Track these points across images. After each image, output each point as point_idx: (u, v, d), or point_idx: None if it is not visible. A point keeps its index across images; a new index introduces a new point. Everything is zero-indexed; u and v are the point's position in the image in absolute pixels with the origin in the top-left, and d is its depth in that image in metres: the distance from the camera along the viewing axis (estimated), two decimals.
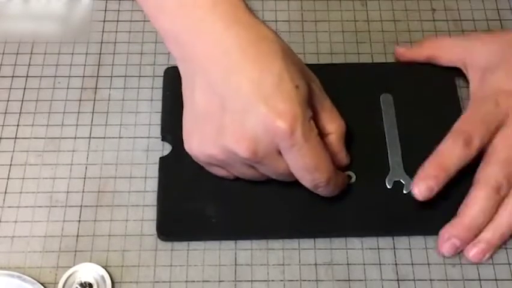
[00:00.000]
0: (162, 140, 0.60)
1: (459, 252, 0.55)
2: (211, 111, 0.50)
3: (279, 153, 0.51)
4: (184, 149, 0.57)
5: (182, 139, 0.57)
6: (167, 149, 0.60)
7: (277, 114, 0.48)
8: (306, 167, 0.51)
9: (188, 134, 0.53)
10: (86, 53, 0.65)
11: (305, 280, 0.55)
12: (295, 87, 0.49)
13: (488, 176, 0.55)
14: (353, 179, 0.58)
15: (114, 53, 0.66)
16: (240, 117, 0.49)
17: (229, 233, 0.56)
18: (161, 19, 0.51)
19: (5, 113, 0.62)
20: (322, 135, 0.53)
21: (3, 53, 0.65)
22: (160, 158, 0.59)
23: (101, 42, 0.66)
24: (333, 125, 0.55)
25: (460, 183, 0.58)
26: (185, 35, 0.50)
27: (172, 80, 0.62)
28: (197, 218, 0.56)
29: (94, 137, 0.61)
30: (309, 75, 0.53)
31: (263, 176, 0.54)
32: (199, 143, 0.52)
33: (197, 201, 0.57)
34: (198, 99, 0.51)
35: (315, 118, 0.52)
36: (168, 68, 0.63)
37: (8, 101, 0.63)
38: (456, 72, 0.64)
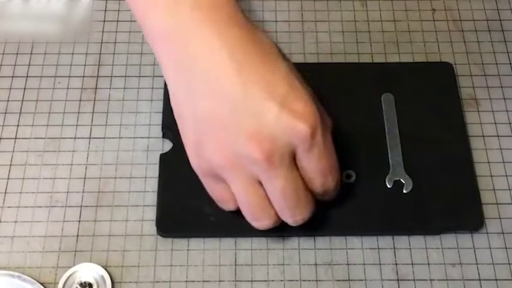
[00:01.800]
0: (163, 137, 0.60)
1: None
2: (220, 113, 0.47)
3: (293, 160, 0.49)
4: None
5: None
6: (167, 149, 0.60)
7: (297, 116, 0.47)
8: (322, 169, 0.50)
9: (194, 144, 0.50)
10: (86, 53, 0.65)
11: (305, 280, 0.55)
12: (304, 87, 0.48)
13: None
14: (353, 178, 0.58)
15: (114, 53, 0.66)
16: (254, 118, 0.47)
17: (228, 230, 0.56)
18: (153, 16, 0.48)
19: (5, 113, 0.62)
20: None
21: (3, 53, 0.65)
22: (161, 154, 0.59)
23: (101, 42, 0.66)
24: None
25: (459, 183, 0.58)
26: (181, 34, 0.47)
27: None
28: (197, 215, 0.56)
29: (94, 137, 0.61)
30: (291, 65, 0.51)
31: (260, 203, 0.51)
32: (207, 150, 0.49)
33: (197, 198, 0.57)
34: (203, 106, 0.48)
35: None
36: None
37: (8, 101, 0.63)
38: (457, 72, 0.64)
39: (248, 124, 0.47)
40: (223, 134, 0.48)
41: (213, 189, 0.53)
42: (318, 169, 0.50)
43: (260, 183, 0.50)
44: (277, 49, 0.49)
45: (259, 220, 0.52)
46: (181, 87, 0.49)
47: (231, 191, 0.51)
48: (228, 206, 0.53)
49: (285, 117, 0.47)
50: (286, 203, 0.50)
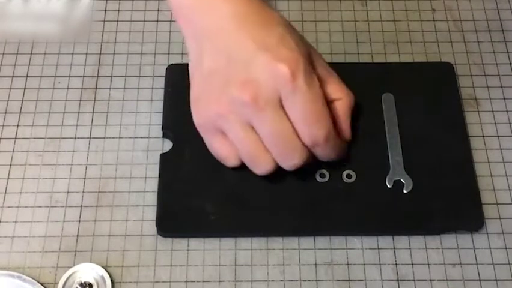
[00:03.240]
0: (163, 136, 0.60)
1: None
2: (218, 67, 0.52)
3: (281, 105, 0.51)
4: (185, 146, 0.57)
5: (182, 135, 0.58)
6: (167, 149, 0.60)
7: (279, 59, 0.50)
8: (306, 116, 0.52)
9: (195, 100, 0.54)
10: (86, 53, 0.65)
11: (305, 280, 0.55)
12: (295, 43, 0.52)
13: None
14: (353, 178, 0.58)
15: (114, 53, 0.66)
16: (244, 66, 0.51)
17: (228, 230, 0.56)
18: None
19: (5, 113, 0.62)
20: (330, 102, 0.55)
21: (3, 53, 0.65)
22: (161, 154, 0.59)
23: (101, 42, 0.66)
24: (343, 93, 0.56)
25: (459, 183, 0.58)
26: (197, 12, 0.53)
27: (174, 77, 0.62)
28: (197, 214, 0.56)
29: (94, 137, 0.61)
30: (313, 49, 0.55)
31: (257, 148, 0.53)
32: (205, 103, 0.53)
33: (197, 197, 0.57)
34: (205, 62, 0.53)
35: (325, 87, 0.54)
36: (170, 65, 0.64)
37: (8, 101, 0.63)
38: (457, 72, 0.64)
39: (239, 72, 0.51)
40: (221, 85, 0.52)
41: (214, 145, 0.56)
42: (303, 116, 0.52)
43: (254, 129, 0.53)
44: (280, 18, 0.54)
45: (259, 166, 0.55)
46: (195, 51, 0.54)
47: (230, 145, 0.55)
48: (231, 162, 0.56)
49: (269, 61, 0.51)
50: (276, 147, 0.53)
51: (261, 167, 0.55)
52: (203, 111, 0.54)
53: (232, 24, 0.52)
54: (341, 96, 0.56)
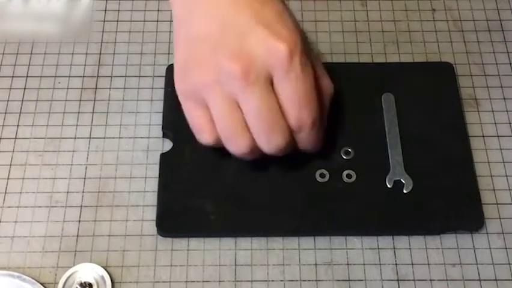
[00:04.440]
0: (163, 136, 0.60)
1: None
2: (209, 32, 0.50)
3: (271, 84, 0.50)
4: (185, 146, 0.57)
5: (182, 135, 0.57)
6: (167, 149, 0.60)
7: (278, 37, 0.49)
8: (297, 98, 0.51)
9: (179, 65, 0.53)
10: (86, 53, 0.65)
11: (305, 280, 0.55)
12: (293, 24, 0.51)
13: None
14: (353, 178, 0.58)
15: (114, 53, 0.66)
16: (239, 37, 0.50)
17: (228, 230, 0.56)
18: None
19: (5, 113, 0.62)
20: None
21: (3, 53, 0.65)
22: (161, 154, 0.59)
23: (101, 42, 0.66)
24: (324, 82, 0.55)
25: (459, 183, 0.58)
26: None
27: None
28: (197, 214, 0.56)
29: (94, 137, 0.61)
30: (303, 32, 0.54)
31: (237, 124, 0.52)
32: (191, 69, 0.51)
33: (197, 197, 0.57)
34: (195, 26, 0.51)
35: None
36: (170, 65, 0.63)
37: (8, 101, 0.63)
38: (457, 72, 0.64)
39: (232, 43, 0.50)
40: (209, 52, 0.50)
41: (192, 115, 0.54)
42: (294, 98, 0.51)
43: (239, 106, 0.51)
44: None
45: (235, 143, 0.52)
46: (183, 10, 0.53)
47: (209, 117, 0.52)
48: (205, 137, 0.54)
49: (267, 37, 0.49)
50: (260, 124, 0.51)
51: (237, 144, 0.52)
52: (188, 77, 0.52)
53: None
54: (324, 85, 0.55)
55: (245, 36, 0.50)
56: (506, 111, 0.63)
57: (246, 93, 0.50)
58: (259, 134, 0.52)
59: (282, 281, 0.55)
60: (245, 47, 0.50)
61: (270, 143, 0.52)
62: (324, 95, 0.55)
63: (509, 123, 0.62)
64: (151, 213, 0.57)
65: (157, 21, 0.67)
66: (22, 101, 0.63)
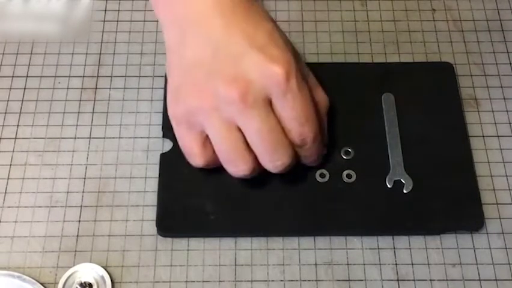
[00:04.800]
0: (163, 136, 0.60)
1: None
2: (203, 58, 0.51)
3: (269, 104, 0.51)
4: None
5: None
6: (167, 149, 0.60)
7: (273, 60, 0.50)
8: (297, 117, 0.52)
9: (173, 90, 0.53)
10: (86, 53, 0.65)
11: (305, 280, 0.55)
12: (284, 43, 0.52)
13: None
14: (353, 178, 0.58)
15: (114, 53, 0.66)
16: (233, 62, 0.50)
17: (228, 230, 0.56)
18: None
19: (5, 113, 0.62)
20: None
21: (3, 53, 0.65)
22: (161, 154, 0.59)
23: (101, 42, 0.66)
24: (319, 96, 0.55)
25: (460, 183, 0.58)
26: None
27: None
28: (197, 214, 0.56)
29: (94, 137, 0.61)
30: (294, 48, 0.54)
31: (237, 147, 0.52)
32: (185, 95, 0.52)
33: (197, 197, 0.57)
34: (189, 52, 0.51)
35: None
36: None
37: (8, 101, 0.63)
38: (457, 72, 0.64)
39: (227, 67, 0.50)
40: (204, 78, 0.51)
41: (184, 139, 0.54)
42: (294, 116, 0.52)
43: (238, 129, 0.52)
44: (266, 13, 0.53)
45: (237, 166, 0.53)
46: (175, 38, 0.53)
47: (201, 141, 0.53)
48: (196, 160, 0.55)
49: (262, 61, 0.50)
50: (263, 145, 0.52)
51: (239, 167, 0.53)
52: (182, 102, 0.53)
53: (217, 13, 0.51)
54: (319, 99, 0.55)
55: (239, 61, 0.50)
56: (506, 111, 0.63)
57: (246, 116, 0.51)
58: (262, 155, 0.53)
59: (282, 281, 0.55)
60: (240, 71, 0.50)
61: (274, 161, 0.53)
62: (320, 108, 0.55)
63: (509, 123, 0.62)
64: (151, 213, 0.57)
65: (157, 21, 0.67)
66: (22, 101, 0.63)
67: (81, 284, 0.53)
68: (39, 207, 0.57)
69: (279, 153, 0.52)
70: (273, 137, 0.52)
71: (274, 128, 0.52)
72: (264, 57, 0.50)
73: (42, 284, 0.54)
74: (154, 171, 0.59)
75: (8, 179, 0.59)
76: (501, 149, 0.61)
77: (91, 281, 0.53)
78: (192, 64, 0.51)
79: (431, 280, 0.55)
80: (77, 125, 0.61)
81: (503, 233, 0.57)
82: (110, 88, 0.63)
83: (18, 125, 0.61)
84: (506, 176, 0.59)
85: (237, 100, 0.50)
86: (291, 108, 0.51)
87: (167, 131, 0.60)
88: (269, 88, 0.50)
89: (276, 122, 0.52)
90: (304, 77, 0.53)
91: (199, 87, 0.51)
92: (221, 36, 0.51)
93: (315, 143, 0.54)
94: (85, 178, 0.59)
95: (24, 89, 0.63)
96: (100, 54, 0.65)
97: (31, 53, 0.65)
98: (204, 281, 0.54)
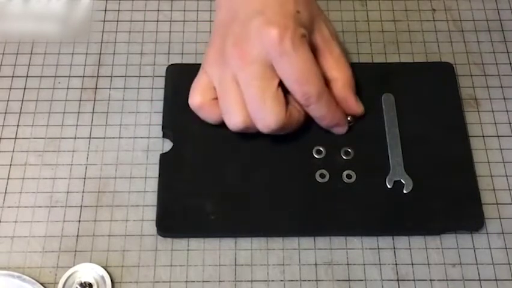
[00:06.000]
0: (163, 136, 0.60)
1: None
2: (224, 21, 0.57)
3: (270, 65, 0.54)
4: (184, 146, 0.57)
5: (182, 135, 0.59)
6: (167, 149, 0.60)
7: (269, 23, 0.54)
8: (297, 78, 0.55)
9: (209, 45, 0.59)
10: (86, 53, 0.65)
11: (305, 280, 0.55)
12: (295, 11, 0.55)
13: None
14: (353, 178, 0.58)
15: (114, 53, 0.66)
16: (243, 25, 0.55)
17: (228, 230, 0.56)
18: None
19: (5, 113, 0.62)
20: (327, 80, 0.57)
21: (3, 53, 0.65)
22: (161, 154, 0.59)
23: (101, 42, 0.66)
24: (339, 72, 0.58)
25: (460, 183, 0.58)
26: None
27: (174, 77, 0.63)
28: (197, 214, 0.56)
29: (94, 137, 0.61)
30: (323, 16, 0.59)
31: (235, 99, 0.55)
32: (211, 51, 0.58)
33: (197, 198, 0.57)
34: (218, 15, 0.59)
35: (322, 61, 0.57)
36: (170, 65, 0.64)
37: (8, 101, 0.63)
38: (457, 72, 0.64)
39: (237, 30, 0.55)
40: (222, 38, 0.56)
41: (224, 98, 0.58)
42: (293, 77, 0.55)
43: (238, 86, 0.55)
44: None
45: (231, 117, 0.56)
46: (217, 6, 0.60)
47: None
48: (211, 116, 0.58)
49: (261, 24, 0.54)
50: (253, 101, 0.55)
51: (232, 118, 0.56)
52: (209, 56, 0.58)
53: None
54: (336, 76, 0.58)
55: (247, 24, 0.55)
56: (506, 111, 0.63)
57: (244, 72, 0.55)
58: (254, 112, 0.55)
59: (282, 281, 0.55)
60: (246, 34, 0.55)
61: (262, 119, 0.55)
62: (338, 87, 0.58)
63: (509, 123, 0.62)
64: (151, 213, 0.57)
65: (157, 21, 0.68)
66: (22, 101, 0.63)
67: (81, 284, 0.53)
68: (39, 207, 0.57)
69: (267, 111, 0.55)
70: (263, 95, 0.54)
71: (266, 87, 0.54)
72: (263, 21, 0.54)
73: (42, 284, 0.54)
74: (154, 171, 0.59)
75: (8, 179, 0.59)
76: (501, 149, 0.61)
77: (91, 281, 0.53)
78: (218, 26, 0.58)
79: (431, 280, 0.55)
80: (77, 125, 0.61)
81: (503, 233, 0.57)
82: (110, 88, 0.63)
83: (18, 125, 0.61)
84: (506, 176, 0.59)
85: (237, 59, 0.55)
86: (288, 70, 0.54)
87: (167, 131, 0.60)
88: (266, 49, 0.54)
89: (272, 82, 0.54)
90: (314, 43, 0.57)
91: (216, 46, 0.57)
92: (242, 3, 0.56)
93: (320, 101, 0.56)
94: (85, 178, 0.59)
95: (24, 89, 0.63)
96: (100, 54, 0.65)
97: (31, 53, 0.65)
98: (204, 281, 0.54)
